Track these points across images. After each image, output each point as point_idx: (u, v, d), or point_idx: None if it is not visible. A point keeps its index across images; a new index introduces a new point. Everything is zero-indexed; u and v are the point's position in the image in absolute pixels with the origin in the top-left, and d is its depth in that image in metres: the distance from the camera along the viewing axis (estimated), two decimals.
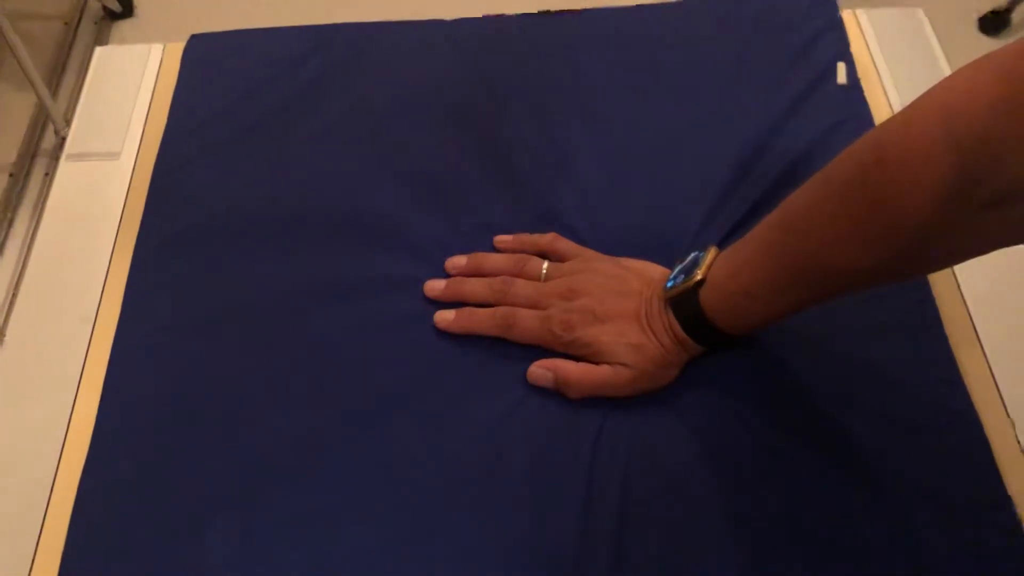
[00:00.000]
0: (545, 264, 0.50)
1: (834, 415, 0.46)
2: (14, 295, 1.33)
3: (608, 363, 0.46)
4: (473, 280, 0.51)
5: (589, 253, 0.51)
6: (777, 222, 0.42)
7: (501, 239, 0.53)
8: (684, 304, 0.44)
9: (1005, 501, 0.43)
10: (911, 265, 0.39)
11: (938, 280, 0.51)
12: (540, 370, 0.47)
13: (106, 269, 0.54)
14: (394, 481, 0.45)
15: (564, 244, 0.52)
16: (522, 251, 0.52)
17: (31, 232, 1.42)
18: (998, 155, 0.31)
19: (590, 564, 0.42)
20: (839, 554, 0.42)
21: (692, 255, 0.46)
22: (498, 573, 0.42)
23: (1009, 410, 0.46)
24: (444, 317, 0.49)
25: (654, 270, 0.49)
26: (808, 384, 0.47)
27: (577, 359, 0.47)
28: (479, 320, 0.49)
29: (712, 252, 0.45)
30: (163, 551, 0.43)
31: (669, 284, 0.45)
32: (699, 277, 0.43)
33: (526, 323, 0.48)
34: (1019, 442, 0.45)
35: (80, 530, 0.44)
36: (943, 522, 0.42)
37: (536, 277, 0.50)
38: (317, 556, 0.42)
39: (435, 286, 0.51)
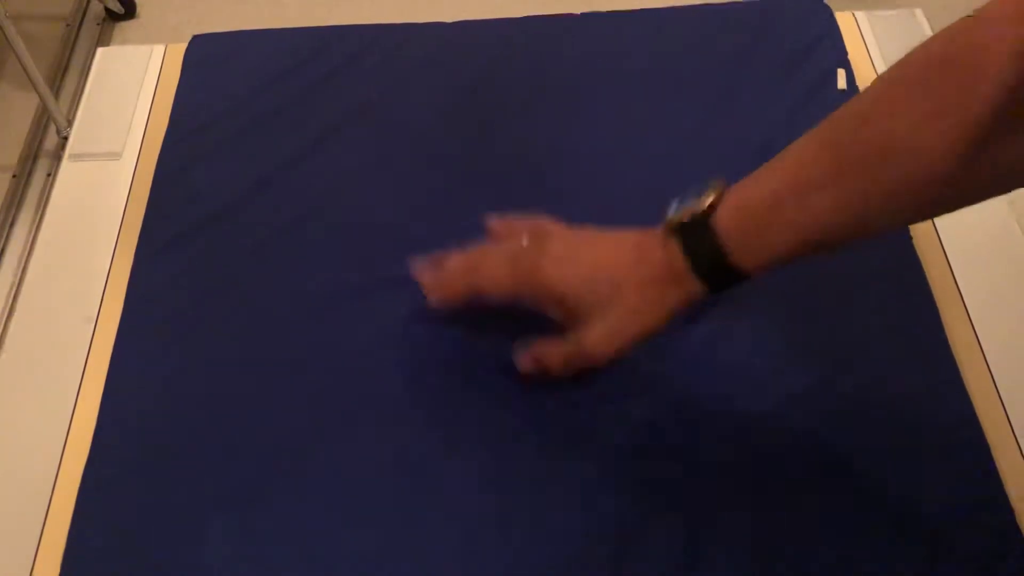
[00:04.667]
0: (525, 237, 0.46)
1: (834, 416, 0.46)
2: (16, 295, 1.33)
3: (580, 315, 0.42)
4: (454, 255, 0.47)
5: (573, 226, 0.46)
6: (831, 116, 0.38)
7: (490, 221, 0.49)
8: (692, 232, 0.39)
9: (1004, 502, 0.43)
10: (974, 160, 0.34)
11: (938, 283, 0.51)
12: (521, 359, 0.45)
13: (108, 269, 0.54)
14: (393, 482, 0.45)
15: (550, 223, 0.47)
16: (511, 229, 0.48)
17: (33, 232, 1.42)
18: None
19: (590, 565, 0.42)
20: (839, 555, 0.42)
21: (692, 190, 0.41)
22: (498, 573, 0.42)
23: (1008, 411, 0.46)
24: (420, 272, 0.47)
25: (643, 230, 0.44)
26: (808, 386, 0.47)
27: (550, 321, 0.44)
28: (449, 275, 0.46)
29: (721, 182, 0.40)
30: (164, 551, 0.43)
31: (671, 213, 0.41)
32: (711, 198, 0.39)
33: (494, 266, 0.44)
34: (1018, 443, 0.45)
35: (81, 530, 0.44)
36: (943, 523, 0.42)
37: (517, 241, 0.46)
38: (316, 556, 0.43)
39: (420, 265, 0.48)
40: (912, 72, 0.36)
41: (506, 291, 0.44)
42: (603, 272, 0.42)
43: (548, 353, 0.45)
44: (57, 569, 0.43)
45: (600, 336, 0.42)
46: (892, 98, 0.36)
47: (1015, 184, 0.36)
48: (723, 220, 0.39)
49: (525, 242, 0.46)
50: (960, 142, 0.34)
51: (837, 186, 0.36)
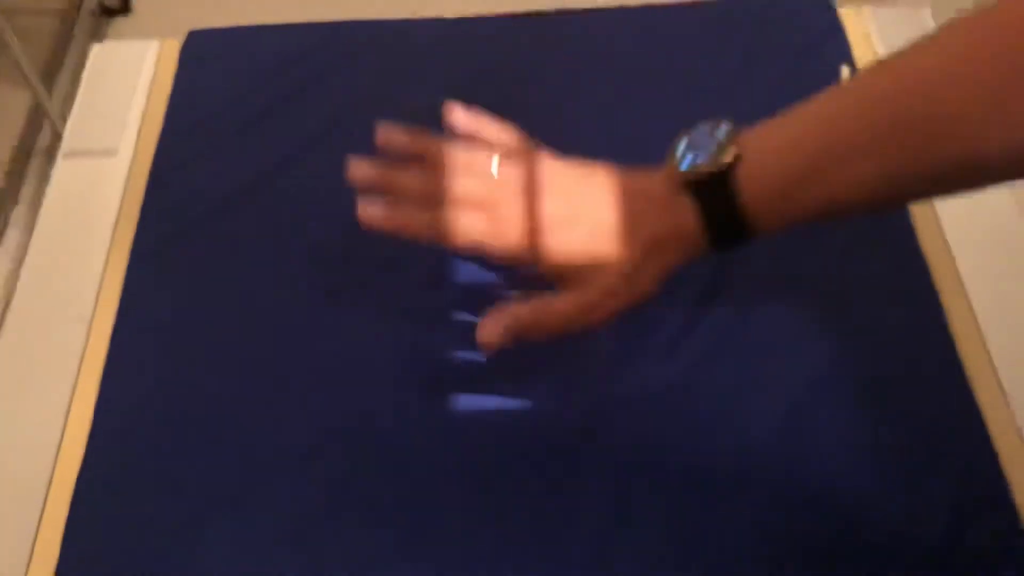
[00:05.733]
0: (496, 159, 0.41)
1: (835, 415, 0.46)
2: (10, 294, 1.32)
3: (567, 276, 0.38)
4: (410, 171, 0.41)
5: (548, 154, 0.42)
6: (864, 78, 0.35)
7: (455, 113, 0.44)
8: (711, 192, 0.35)
9: (1008, 501, 0.43)
10: None
11: (942, 279, 0.50)
12: (487, 330, 0.38)
13: (103, 267, 0.53)
14: (393, 481, 0.44)
15: (533, 152, 0.43)
16: (472, 133, 0.43)
17: (27, 231, 1.41)
18: None
19: (589, 564, 0.42)
20: (840, 554, 0.41)
21: (702, 127, 0.38)
22: (497, 572, 0.42)
23: (1013, 411, 0.46)
24: (372, 213, 0.40)
25: (631, 170, 0.40)
26: (809, 385, 0.47)
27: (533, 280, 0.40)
28: (414, 221, 0.40)
29: (736, 133, 0.37)
30: (160, 551, 0.43)
31: (684, 165, 0.37)
32: (732, 154, 0.35)
33: (469, 227, 0.39)
34: (1023, 442, 0.45)
35: (76, 530, 0.43)
36: (946, 523, 0.42)
37: (485, 172, 0.40)
38: (316, 556, 0.42)
39: (363, 169, 0.41)
40: (986, 41, 0.31)
41: (477, 244, 0.39)
42: (607, 236, 0.37)
43: (526, 322, 0.38)
44: (52, 569, 0.42)
45: (597, 301, 0.38)
46: (962, 71, 0.31)
47: None
48: (748, 181, 0.35)
49: (495, 167, 0.40)
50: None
51: (885, 156, 0.33)
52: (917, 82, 0.32)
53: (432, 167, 0.41)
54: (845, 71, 0.59)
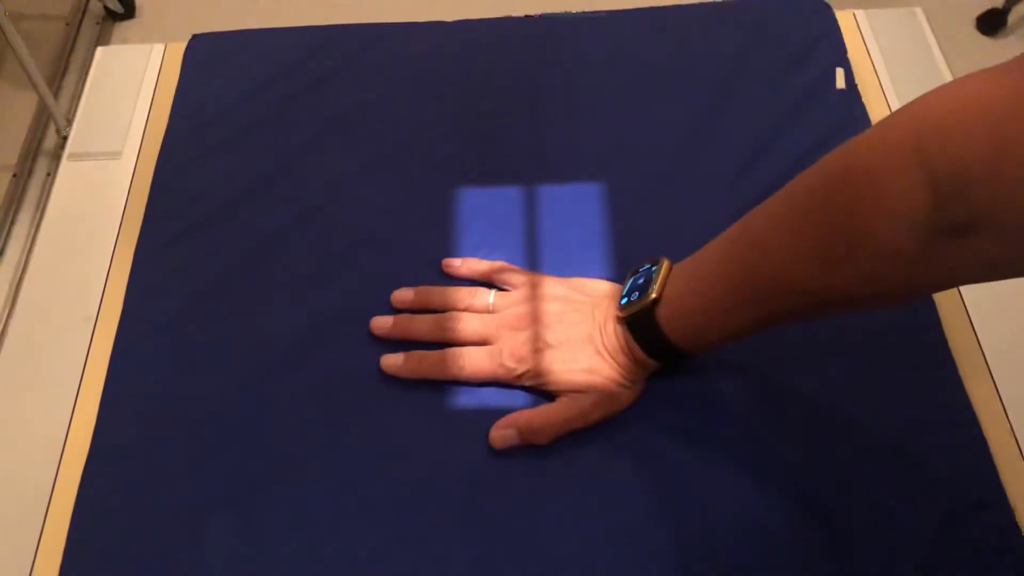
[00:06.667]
0: (492, 294, 0.49)
1: (833, 416, 0.46)
2: (16, 294, 1.33)
3: (564, 392, 0.45)
4: (420, 318, 0.48)
5: (537, 278, 0.49)
6: (738, 236, 0.41)
7: (449, 264, 0.51)
8: (640, 324, 0.43)
9: (1004, 502, 0.43)
10: (869, 289, 0.36)
11: None
12: (501, 432, 0.45)
13: (107, 268, 0.54)
14: (393, 480, 0.45)
15: (512, 274, 0.50)
16: (471, 277, 0.51)
17: (33, 232, 1.42)
18: (966, 180, 0.31)
19: (588, 562, 0.42)
20: (838, 555, 0.42)
21: (644, 268, 0.45)
22: (497, 571, 0.42)
23: (1008, 411, 0.46)
24: (392, 363, 0.47)
25: (605, 287, 0.48)
26: (806, 386, 0.47)
27: (532, 392, 0.47)
28: (429, 365, 0.47)
29: (665, 266, 0.44)
30: (163, 551, 0.43)
31: (623, 301, 0.44)
32: (654, 296, 0.42)
33: (476, 364, 0.46)
34: (1017, 443, 0.45)
35: (81, 530, 0.44)
36: (941, 522, 0.42)
37: (484, 309, 0.48)
38: (316, 555, 0.43)
39: (382, 324, 0.49)
40: (802, 205, 0.37)
41: (485, 376, 0.47)
42: (581, 359, 0.45)
43: (529, 422, 0.45)
44: (57, 568, 0.43)
45: (585, 409, 0.45)
46: (784, 233, 0.38)
47: (957, 283, 0.40)
48: (666, 320, 0.42)
49: (491, 300, 0.48)
50: (855, 284, 0.36)
51: (755, 310, 0.40)
52: (764, 253, 0.39)
53: (437, 314, 0.49)
54: (840, 74, 0.59)
